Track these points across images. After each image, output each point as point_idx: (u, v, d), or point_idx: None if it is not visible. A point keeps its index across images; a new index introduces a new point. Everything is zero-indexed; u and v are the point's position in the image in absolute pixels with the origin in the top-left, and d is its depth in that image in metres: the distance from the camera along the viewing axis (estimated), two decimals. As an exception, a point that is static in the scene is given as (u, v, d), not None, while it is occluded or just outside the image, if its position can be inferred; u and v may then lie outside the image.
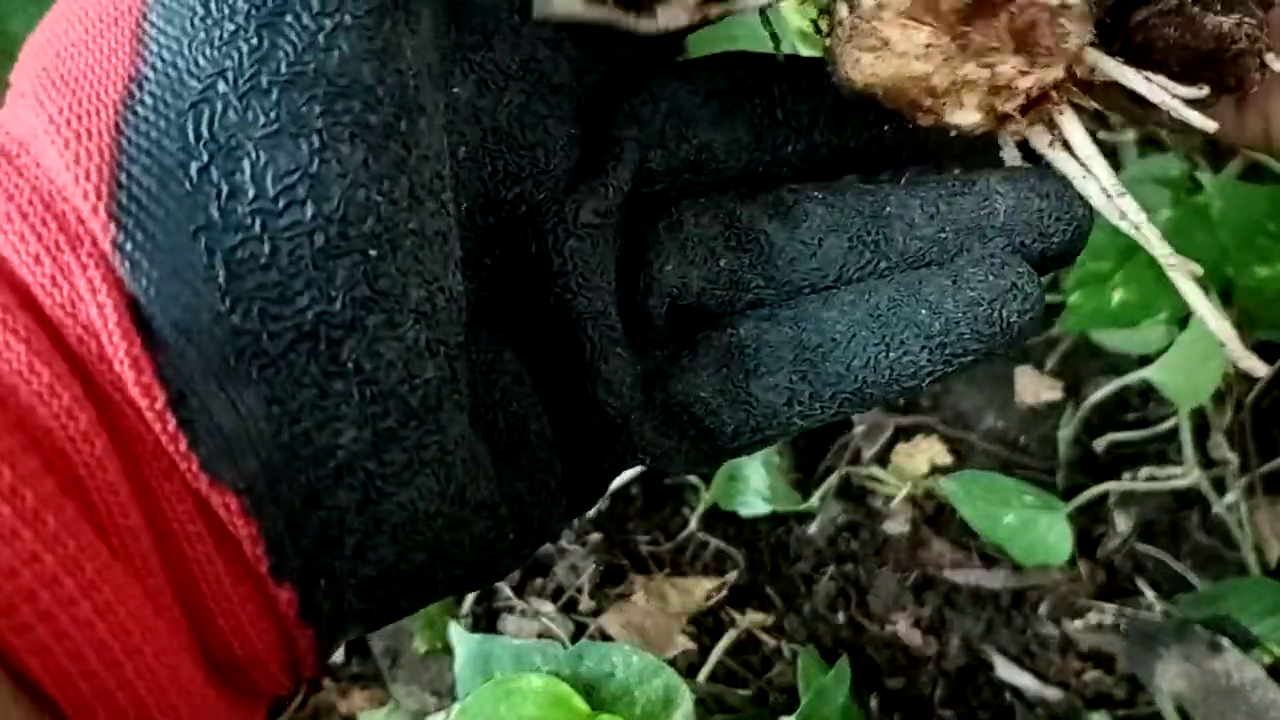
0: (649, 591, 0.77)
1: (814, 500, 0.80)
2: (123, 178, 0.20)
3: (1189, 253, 0.68)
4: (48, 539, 0.19)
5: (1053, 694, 0.73)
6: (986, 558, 0.79)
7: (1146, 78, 0.27)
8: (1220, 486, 0.76)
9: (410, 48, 0.22)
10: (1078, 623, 0.76)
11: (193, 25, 0.21)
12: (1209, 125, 0.27)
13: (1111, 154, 0.76)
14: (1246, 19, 0.26)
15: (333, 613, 0.23)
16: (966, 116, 0.26)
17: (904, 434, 0.83)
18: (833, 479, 0.81)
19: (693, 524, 0.81)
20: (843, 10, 0.26)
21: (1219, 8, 0.26)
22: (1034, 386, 0.83)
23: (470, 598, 0.77)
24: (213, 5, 0.21)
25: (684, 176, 0.29)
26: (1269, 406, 0.79)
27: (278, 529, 0.22)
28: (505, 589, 0.78)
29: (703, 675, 0.72)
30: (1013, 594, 0.77)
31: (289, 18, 0.20)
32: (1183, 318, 0.69)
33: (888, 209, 0.28)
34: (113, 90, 0.21)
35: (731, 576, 0.79)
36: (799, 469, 0.83)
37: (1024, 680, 0.73)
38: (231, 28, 0.20)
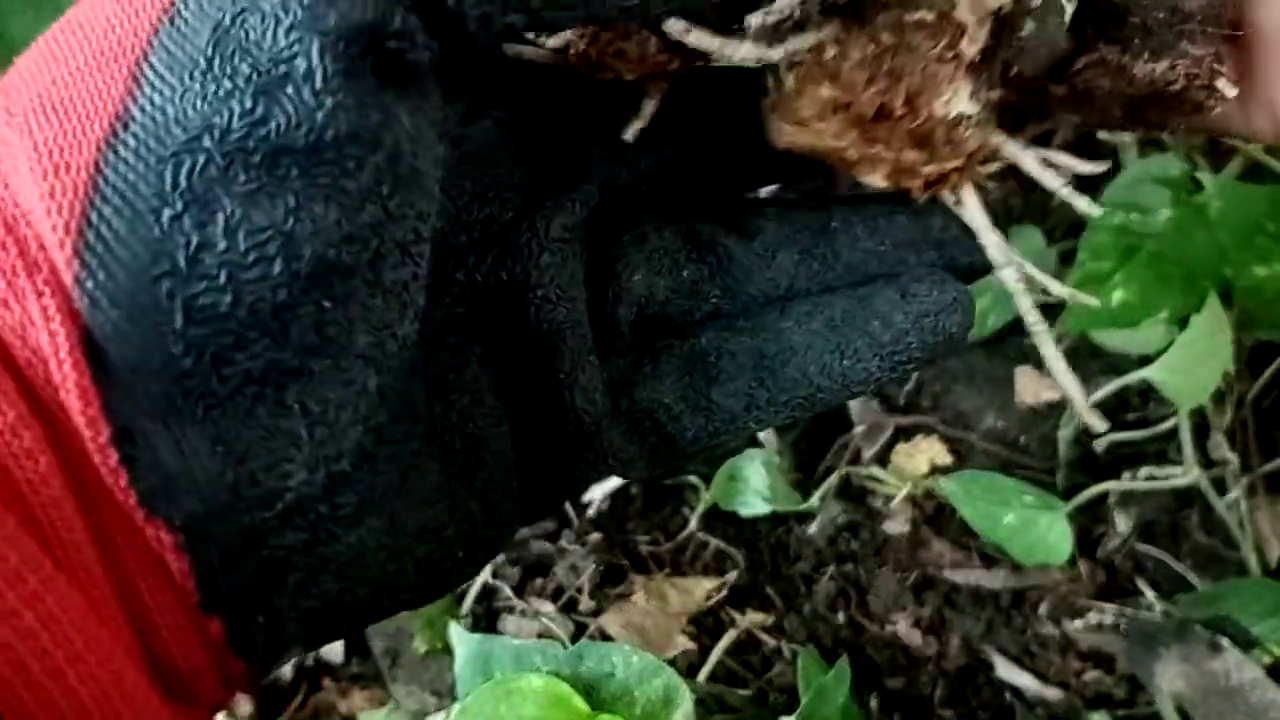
0: (649, 591, 0.77)
1: (814, 500, 0.80)
2: (94, 216, 0.20)
3: (1188, 252, 0.68)
4: None
5: (1053, 694, 0.73)
6: (986, 558, 0.79)
7: (1045, 160, 0.28)
8: (1220, 486, 0.76)
9: (408, 111, 0.22)
10: (1078, 623, 0.76)
11: (191, 77, 0.20)
12: (1093, 210, 0.29)
13: (1112, 154, 0.76)
14: (1180, 60, 0.27)
15: (268, 644, 0.24)
16: (878, 181, 0.27)
17: (904, 434, 0.83)
18: (833, 479, 0.81)
19: (693, 524, 0.81)
20: (772, 83, 0.27)
21: (1148, 55, 0.27)
22: (1034, 386, 0.83)
23: (470, 597, 0.78)
24: (216, 63, 0.20)
25: (645, 190, 0.30)
26: (1270, 406, 0.79)
27: (212, 566, 0.22)
28: (505, 589, 0.78)
29: (703, 675, 0.73)
30: (1013, 594, 0.77)
31: (289, 89, 0.20)
32: (1183, 318, 0.69)
33: (833, 223, 0.29)
34: (99, 126, 0.21)
35: (731, 576, 0.79)
36: (799, 469, 0.83)
37: (1024, 680, 0.74)
38: (229, 87, 0.20)
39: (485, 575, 0.77)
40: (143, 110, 0.21)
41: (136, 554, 0.22)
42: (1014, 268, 0.29)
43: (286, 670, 0.77)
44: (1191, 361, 0.69)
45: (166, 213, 0.20)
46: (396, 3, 0.21)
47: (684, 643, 0.75)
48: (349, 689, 0.77)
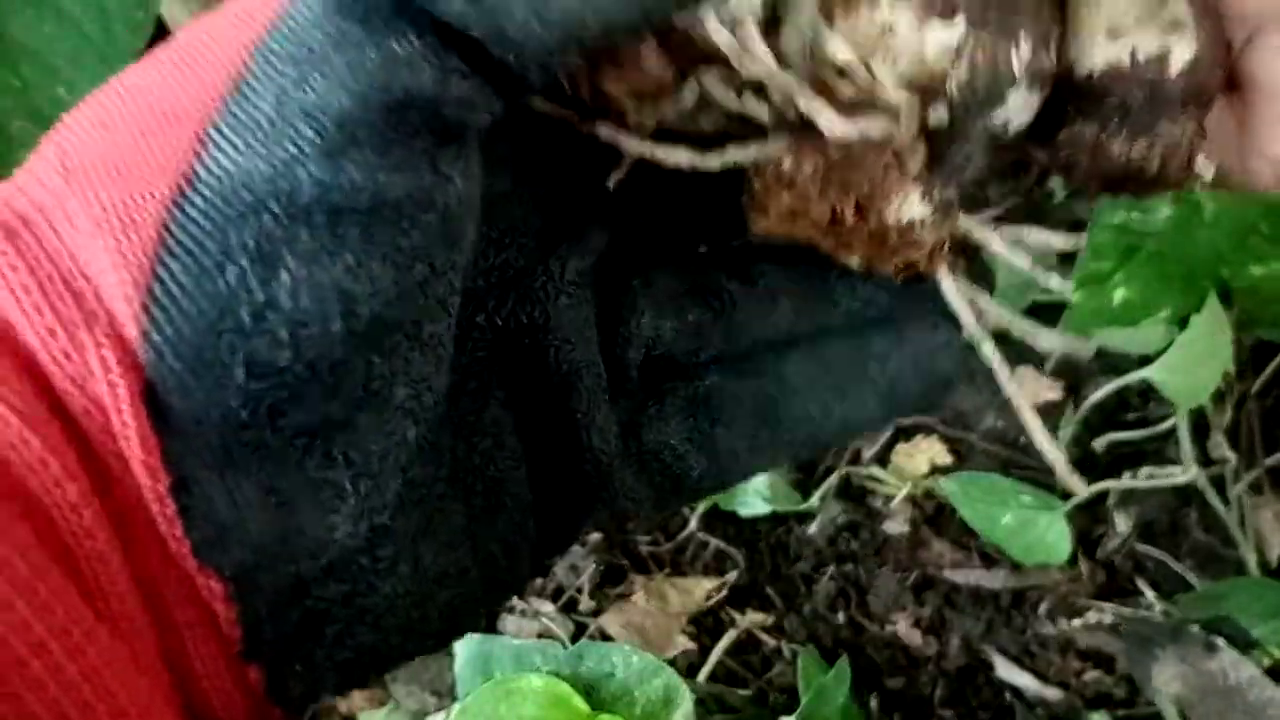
0: (649, 591, 0.77)
1: (814, 500, 0.80)
2: (161, 272, 0.21)
3: (1189, 251, 0.68)
4: (38, 607, 0.19)
5: (1052, 694, 0.73)
6: (986, 558, 0.79)
7: (1015, 240, 0.28)
8: (1220, 485, 0.76)
9: (460, 173, 0.22)
10: (1077, 622, 0.76)
11: (257, 142, 0.21)
12: (1065, 289, 0.30)
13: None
14: (1157, 139, 0.27)
15: (304, 692, 0.24)
16: (852, 263, 0.28)
17: (904, 434, 0.83)
18: (833, 479, 0.81)
19: (693, 524, 0.81)
20: (751, 174, 0.28)
21: (1126, 134, 0.27)
22: (1034, 386, 0.83)
23: (470, 598, 0.77)
24: (282, 129, 0.21)
25: (650, 235, 0.30)
26: (1270, 405, 0.79)
27: (259, 616, 0.22)
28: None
29: (703, 675, 0.73)
30: (1013, 594, 0.77)
31: (353, 153, 0.21)
32: (1183, 318, 0.68)
33: (832, 271, 0.29)
34: (165, 186, 0.21)
35: (731, 576, 0.79)
36: (799, 469, 0.83)
37: (1024, 680, 0.74)
38: (294, 152, 0.21)
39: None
40: (209, 171, 0.21)
41: (184, 603, 0.22)
42: (987, 345, 0.29)
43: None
44: (1191, 361, 0.69)
45: (232, 271, 0.21)
46: (455, 70, 0.21)
47: (684, 643, 0.75)
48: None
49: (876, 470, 0.81)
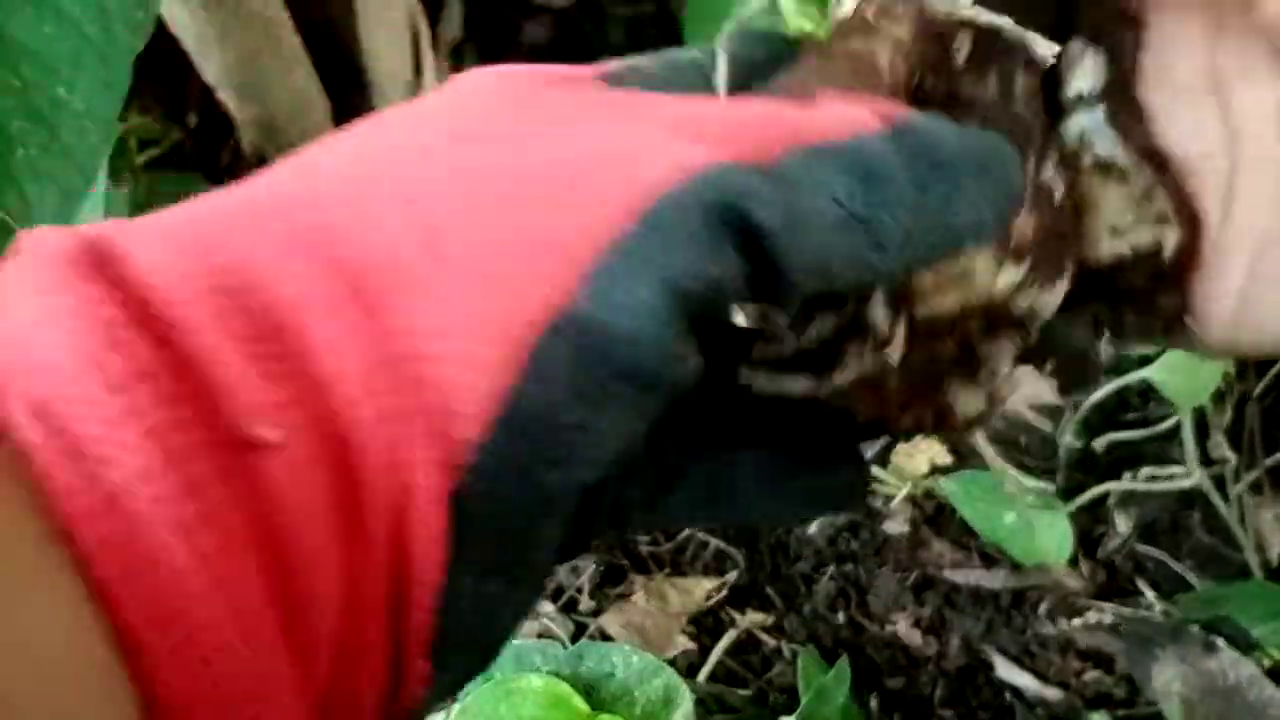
0: (649, 591, 0.78)
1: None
2: (516, 394, 0.22)
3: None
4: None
5: (1053, 694, 0.73)
6: (986, 558, 0.79)
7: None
8: (1220, 485, 0.76)
9: (695, 351, 0.25)
10: (1077, 622, 0.76)
11: (628, 305, 0.22)
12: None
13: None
14: (1158, 309, 0.32)
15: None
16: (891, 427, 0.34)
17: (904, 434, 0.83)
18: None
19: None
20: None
21: (1132, 308, 0.32)
22: (1034, 387, 0.82)
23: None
24: (653, 304, 0.23)
25: None
26: (1270, 406, 0.79)
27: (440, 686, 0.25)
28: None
29: (703, 675, 0.73)
30: (1013, 594, 0.77)
31: (681, 341, 0.23)
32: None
33: (801, 461, 0.33)
34: (538, 311, 0.22)
35: (731, 576, 0.79)
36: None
37: (1024, 680, 0.74)
38: (648, 325, 0.23)
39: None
40: (580, 316, 0.22)
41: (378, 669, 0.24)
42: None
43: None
44: (1191, 361, 0.69)
45: (565, 417, 0.22)
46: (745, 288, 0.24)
47: (684, 643, 0.75)
48: (348, 689, 0.77)
49: (876, 470, 0.81)
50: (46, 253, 0.21)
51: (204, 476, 0.20)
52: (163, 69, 0.76)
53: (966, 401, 0.31)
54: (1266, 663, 0.67)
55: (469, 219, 0.23)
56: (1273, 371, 0.76)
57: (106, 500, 0.19)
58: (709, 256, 0.23)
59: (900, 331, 0.29)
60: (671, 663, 0.61)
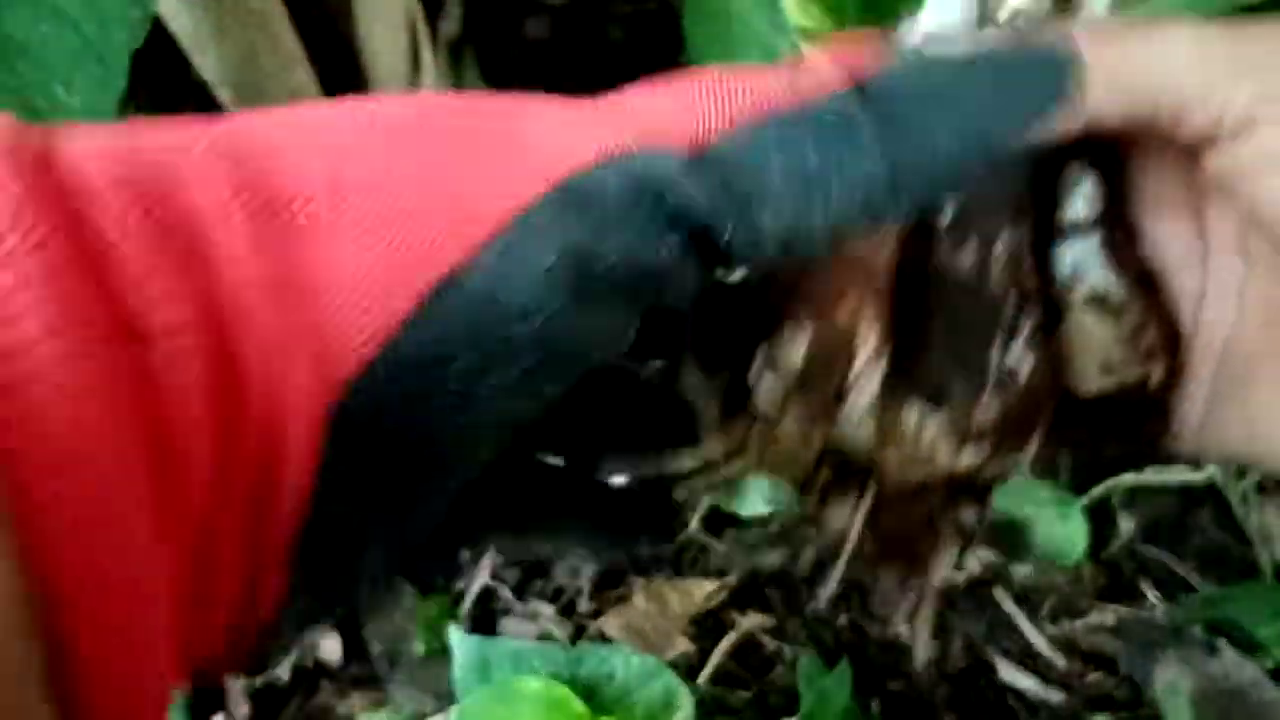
0: (649, 593, 0.77)
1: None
2: (395, 342, 0.24)
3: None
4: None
5: (1055, 696, 0.73)
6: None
7: None
8: (1234, 481, 0.76)
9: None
10: (1080, 624, 0.76)
11: (526, 273, 0.24)
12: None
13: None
14: (1141, 434, 0.33)
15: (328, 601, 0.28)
16: None
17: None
18: (833, 480, 0.80)
19: (693, 525, 0.81)
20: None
21: (1114, 434, 0.33)
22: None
23: (469, 599, 0.77)
24: (551, 274, 0.24)
25: None
26: None
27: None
28: (504, 591, 0.78)
29: (703, 678, 0.72)
30: (1015, 595, 0.77)
31: (576, 311, 0.25)
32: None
33: None
34: (437, 268, 0.24)
35: (732, 578, 0.79)
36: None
37: (1026, 683, 0.73)
38: (547, 296, 0.25)
39: (484, 577, 0.77)
40: (473, 275, 0.24)
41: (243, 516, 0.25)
42: None
43: (284, 672, 0.77)
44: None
45: (446, 369, 0.24)
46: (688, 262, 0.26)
47: (684, 645, 0.75)
48: (347, 691, 0.77)
49: (878, 471, 0.81)
50: None
51: (94, 341, 0.21)
52: (160, 67, 0.76)
53: (937, 557, 0.33)
54: (1270, 664, 0.67)
55: (384, 171, 0.25)
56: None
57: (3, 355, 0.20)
58: (625, 239, 0.25)
59: (864, 509, 0.32)
60: (671, 665, 0.61)
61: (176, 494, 0.22)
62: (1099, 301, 0.32)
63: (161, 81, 0.78)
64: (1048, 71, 0.27)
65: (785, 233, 0.26)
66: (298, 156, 0.25)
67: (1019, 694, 0.73)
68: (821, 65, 0.28)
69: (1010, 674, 0.74)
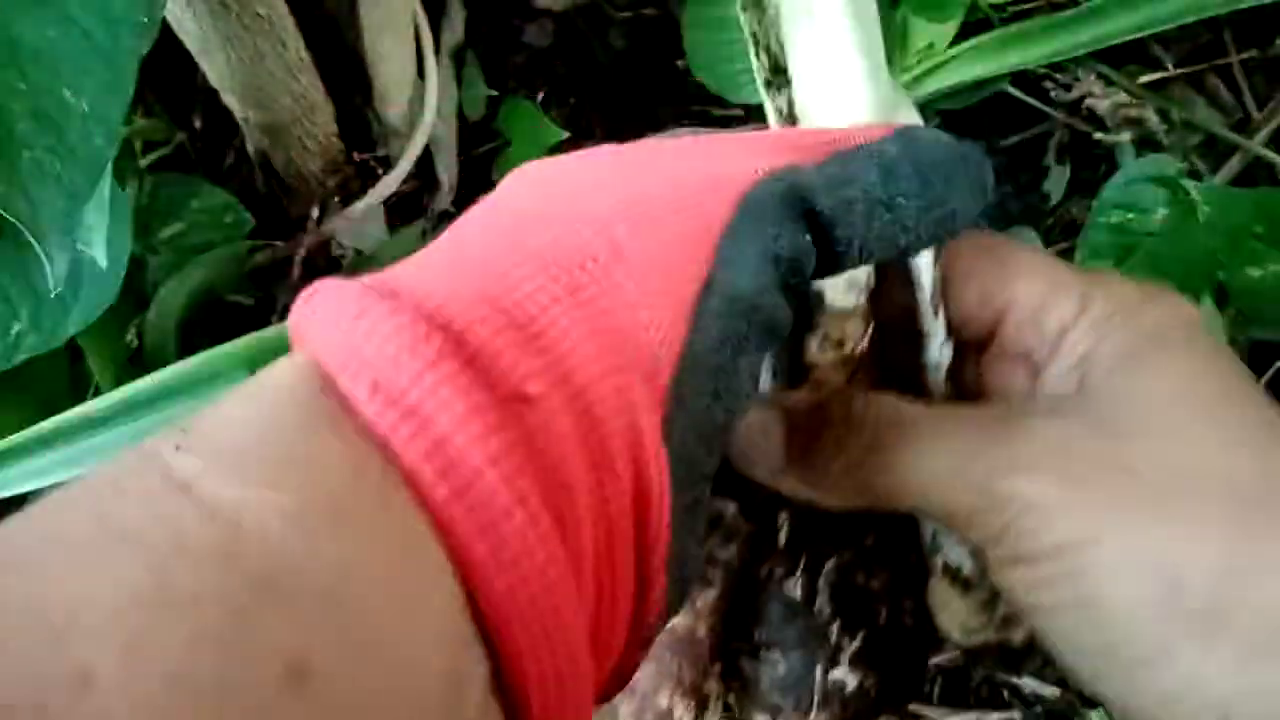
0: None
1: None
2: (690, 343, 0.30)
3: (1185, 252, 0.68)
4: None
5: (1050, 691, 0.73)
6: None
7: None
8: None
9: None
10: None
11: (747, 271, 0.31)
12: None
13: (1108, 155, 0.77)
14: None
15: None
16: None
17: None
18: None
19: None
20: None
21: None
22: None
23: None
24: (761, 266, 0.31)
25: None
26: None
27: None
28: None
29: (702, 673, 0.73)
30: (1010, 592, 0.78)
31: (776, 292, 0.32)
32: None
33: None
34: (693, 286, 0.30)
35: (731, 575, 0.79)
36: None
37: (1021, 677, 0.74)
38: (766, 282, 0.32)
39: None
40: (718, 280, 0.30)
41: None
42: None
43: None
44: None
45: (718, 359, 0.30)
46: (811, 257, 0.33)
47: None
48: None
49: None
50: (341, 291, 0.27)
51: (497, 421, 0.25)
52: (167, 72, 0.77)
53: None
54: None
55: (635, 227, 0.30)
56: (1270, 371, 0.77)
57: (436, 442, 0.24)
58: (788, 231, 0.31)
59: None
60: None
61: (578, 552, 0.26)
62: (953, 574, 0.36)
63: (169, 86, 0.79)
64: (982, 171, 0.35)
65: (876, 249, 0.33)
66: (576, 227, 0.30)
67: (1014, 688, 0.74)
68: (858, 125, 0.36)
69: (1012, 675, 0.74)
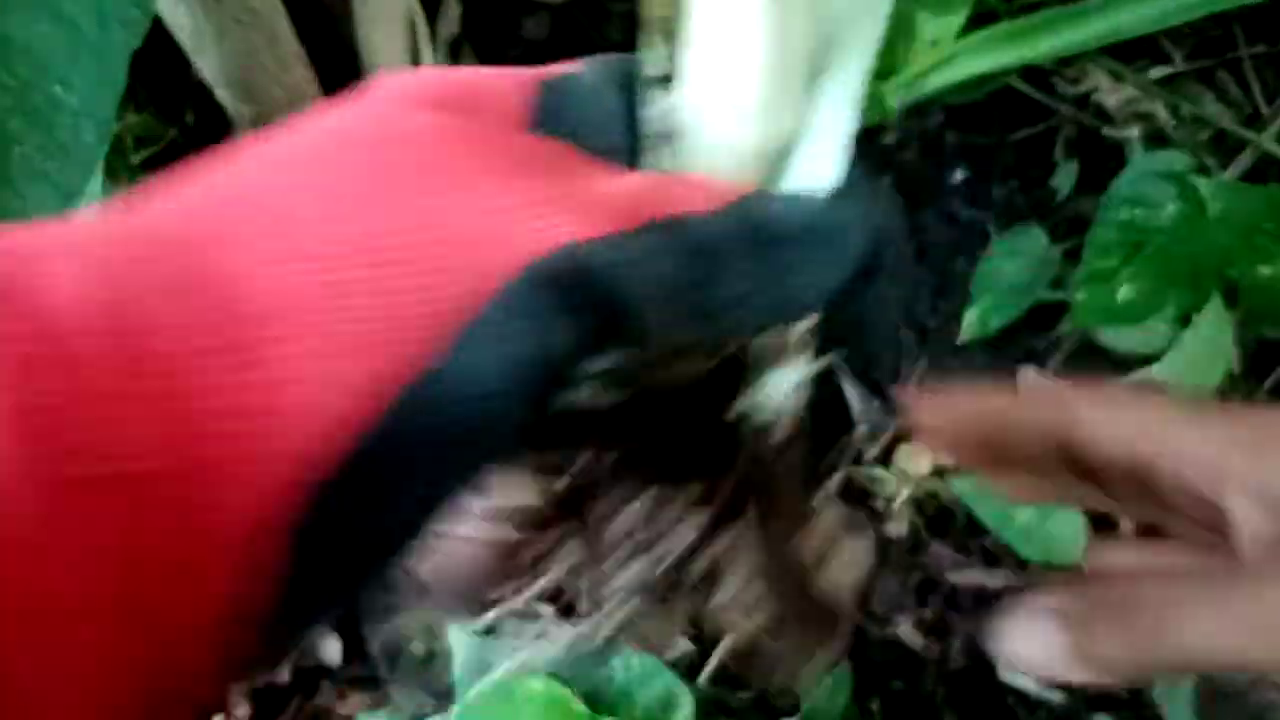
0: (649, 593, 0.77)
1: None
2: (362, 443, 0.24)
3: (1194, 249, 0.68)
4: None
5: (1055, 696, 0.73)
6: (989, 559, 0.79)
7: None
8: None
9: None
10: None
11: (475, 381, 0.25)
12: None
13: (1117, 150, 0.76)
14: None
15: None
16: None
17: (907, 434, 0.83)
18: (834, 480, 0.81)
19: (693, 524, 0.81)
20: None
21: None
22: (1036, 386, 0.82)
23: (469, 599, 0.77)
24: (498, 372, 0.25)
25: None
26: (1274, 403, 0.78)
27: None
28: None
29: (703, 678, 0.72)
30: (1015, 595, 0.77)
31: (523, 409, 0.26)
32: (1185, 315, 0.69)
33: None
34: (390, 371, 0.24)
35: (732, 577, 0.79)
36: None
37: (1026, 682, 0.74)
38: (500, 389, 0.25)
39: (484, 576, 0.77)
40: (434, 378, 0.25)
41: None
42: None
43: (283, 673, 0.77)
44: (1194, 361, 0.69)
45: (407, 470, 0.26)
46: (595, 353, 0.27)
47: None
48: (347, 691, 0.77)
49: (879, 471, 0.81)
50: None
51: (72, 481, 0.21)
52: (159, 67, 0.76)
53: None
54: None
55: (347, 276, 0.25)
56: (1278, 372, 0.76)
57: None
58: (559, 326, 0.26)
59: None
60: (672, 665, 0.61)
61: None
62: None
63: (161, 81, 0.78)
64: (843, 245, 0.30)
65: (663, 332, 0.28)
66: (262, 258, 0.25)
67: (1019, 693, 0.73)
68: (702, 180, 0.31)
69: (1010, 673, 0.74)
